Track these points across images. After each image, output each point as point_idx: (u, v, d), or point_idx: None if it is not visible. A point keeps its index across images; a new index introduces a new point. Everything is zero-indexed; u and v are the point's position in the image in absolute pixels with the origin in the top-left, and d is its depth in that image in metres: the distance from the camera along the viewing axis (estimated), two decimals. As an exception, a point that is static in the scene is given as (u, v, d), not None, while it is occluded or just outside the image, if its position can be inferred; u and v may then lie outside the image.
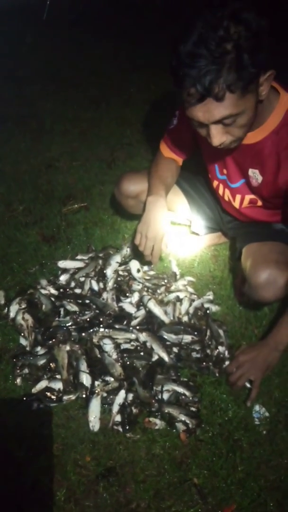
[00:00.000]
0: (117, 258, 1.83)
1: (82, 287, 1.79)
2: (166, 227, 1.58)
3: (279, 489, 1.30)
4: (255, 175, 1.44)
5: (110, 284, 1.76)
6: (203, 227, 1.95)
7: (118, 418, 1.43)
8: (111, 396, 1.47)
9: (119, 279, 1.82)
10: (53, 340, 1.57)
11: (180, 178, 1.79)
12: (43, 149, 2.75)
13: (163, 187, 1.62)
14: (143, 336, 1.59)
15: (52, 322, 1.65)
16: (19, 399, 1.48)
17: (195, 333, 1.61)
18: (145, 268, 1.87)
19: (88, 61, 3.82)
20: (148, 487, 1.30)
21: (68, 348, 1.55)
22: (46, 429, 1.41)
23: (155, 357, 1.56)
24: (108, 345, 1.55)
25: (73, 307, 1.70)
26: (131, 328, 1.63)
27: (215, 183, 1.64)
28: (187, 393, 1.48)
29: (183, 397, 1.48)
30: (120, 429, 1.41)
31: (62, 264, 1.88)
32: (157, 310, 1.66)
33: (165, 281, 1.84)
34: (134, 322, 1.66)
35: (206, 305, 1.75)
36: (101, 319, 1.65)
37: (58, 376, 1.52)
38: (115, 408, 1.43)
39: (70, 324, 1.64)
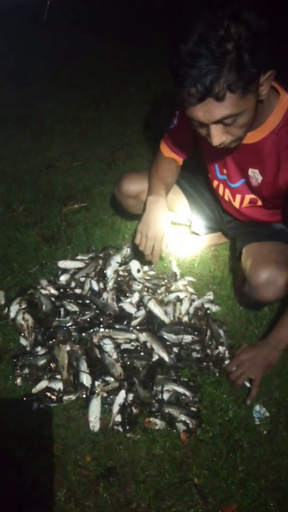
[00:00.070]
0: (117, 258, 1.83)
1: (82, 287, 1.79)
2: (167, 227, 1.58)
3: (279, 489, 1.30)
4: (255, 175, 1.44)
5: (110, 284, 1.76)
6: (203, 227, 1.95)
7: (118, 418, 1.43)
8: (111, 396, 1.47)
9: (119, 279, 1.82)
10: (53, 340, 1.57)
11: (180, 178, 1.79)
12: (43, 149, 2.75)
13: (163, 187, 1.62)
14: (143, 336, 1.59)
15: (52, 322, 1.65)
16: (19, 399, 1.48)
17: (195, 333, 1.61)
18: (145, 268, 1.87)
19: (88, 61, 3.82)
20: (149, 487, 1.30)
21: (68, 348, 1.55)
22: (46, 429, 1.41)
23: (155, 357, 1.56)
24: (108, 345, 1.55)
25: (73, 307, 1.70)
26: (131, 328, 1.63)
27: (215, 183, 1.64)
28: (188, 393, 1.48)
29: (183, 397, 1.48)
30: (120, 429, 1.41)
31: (62, 264, 1.88)
32: (157, 310, 1.66)
33: (165, 281, 1.84)
34: (134, 322, 1.66)
35: (206, 305, 1.75)
36: (101, 319, 1.65)
37: (58, 376, 1.52)
38: (115, 408, 1.43)
39: (70, 324, 1.64)
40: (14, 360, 1.57)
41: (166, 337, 1.61)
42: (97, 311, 1.69)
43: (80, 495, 1.28)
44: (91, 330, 1.61)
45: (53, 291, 1.78)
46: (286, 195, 1.40)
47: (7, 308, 1.73)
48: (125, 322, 1.65)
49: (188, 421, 1.40)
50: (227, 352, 1.60)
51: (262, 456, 1.37)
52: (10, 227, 2.18)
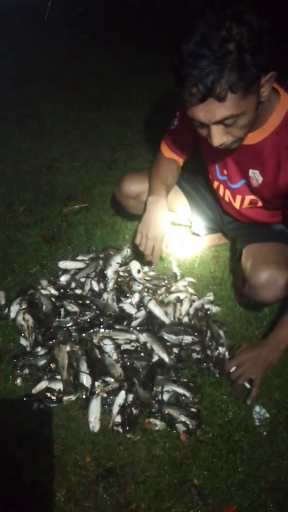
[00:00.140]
0: (118, 258, 1.83)
1: (82, 287, 1.79)
2: (167, 227, 1.58)
3: (279, 490, 1.30)
4: (255, 176, 1.44)
5: (110, 284, 1.76)
6: (204, 227, 1.95)
7: (118, 418, 1.43)
8: (111, 397, 1.46)
9: (119, 279, 1.82)
10: (54, 340, 1.57)
11: (181, 178, 1.79)
12: (43, 150, 2.75)
13: (163, 187, 1.62)
14: (143, 337, 1.59)
15: (52, 322, 1.65)
16: (19, 400, 1.48)
17: (196, 334, 1.61)
18: (146, 268, 1.87)
19: (88, 61, 3.82)
20: (148, 488, 1.30)
21: (68, 348, 1.55)
22: (46, 430, 1.41)
23: (155, 358, 1.56)
24: (108, 346, 1.55)
25: (73, 308, 1.70)
26: (131, 328, 1.62)
27: (216, 183, 1.64)
28: (188, 394, 1.48)
29: (183, 398, 1.48)
30: (120, 430, 1.41)
31: (62, 264, 1.88)
32: (157, 311, 1.66)
33: (166, 281, 1.84)
34: (134, 323, 1.66)
35: (206, 306, 1.75)
36: (101, 320, 1.64)
37: (58, 377, 1.52)
38: (115, 408, 1.43)
39: (70, 324, 1.64)
40: (14, 360, 1.57)
41: (166, 337, 1.61)
42: (97, 312, 1.69)
43: (79, 495, 1.28)
44: (91, 331, 1.61)
45: (53, 291, 1.78)
46: (286, 196, 1.40)
47: (7, 309, 1.73)
48: (125, 323, 1.65)
49: (188, 422, 1.40)
50: (227, 353, 1.60)
51: (262, 457, 1.37)
52: (10, 227, 2.18)
